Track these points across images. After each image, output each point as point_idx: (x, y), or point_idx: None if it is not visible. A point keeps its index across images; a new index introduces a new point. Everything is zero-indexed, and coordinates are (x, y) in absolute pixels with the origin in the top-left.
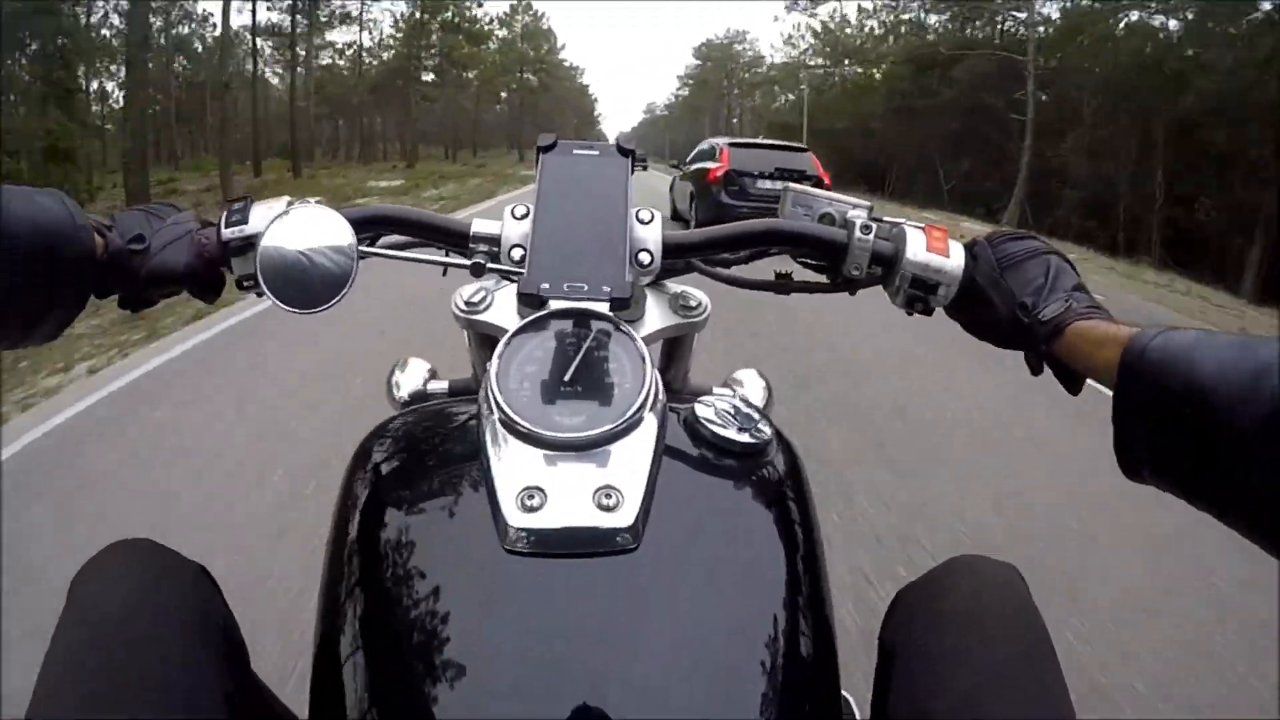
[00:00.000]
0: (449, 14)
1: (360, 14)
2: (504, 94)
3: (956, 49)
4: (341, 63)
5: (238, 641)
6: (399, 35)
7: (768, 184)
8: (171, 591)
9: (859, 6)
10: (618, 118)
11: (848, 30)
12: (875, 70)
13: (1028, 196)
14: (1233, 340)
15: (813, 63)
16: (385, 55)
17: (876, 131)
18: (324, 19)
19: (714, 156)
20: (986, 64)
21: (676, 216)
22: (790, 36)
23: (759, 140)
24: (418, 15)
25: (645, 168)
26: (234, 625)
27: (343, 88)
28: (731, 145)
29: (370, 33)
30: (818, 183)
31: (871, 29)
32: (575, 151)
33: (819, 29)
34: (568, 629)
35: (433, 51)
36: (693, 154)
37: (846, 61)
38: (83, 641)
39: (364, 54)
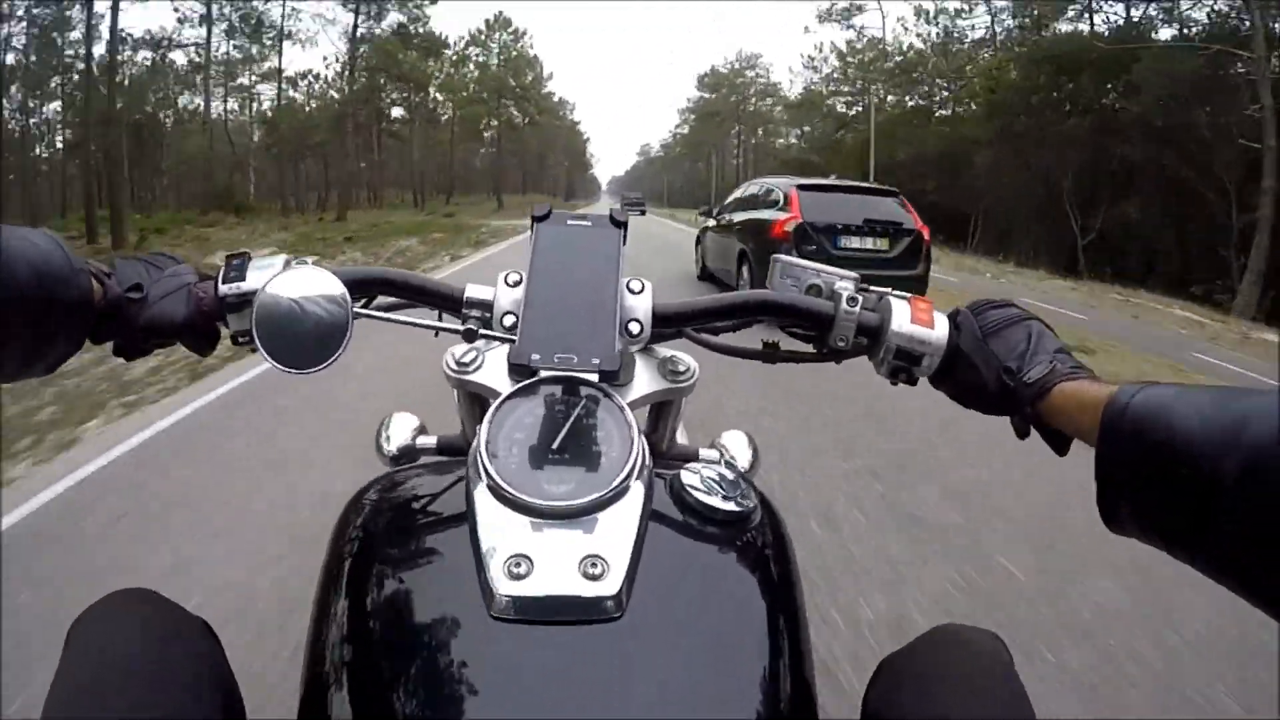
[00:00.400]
0: (397, 16)
1: (282, 30)
2: (486, 133)
3: (1119, 44)
4: (296, 96)
5: (236, 701)
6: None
7: (856, 241)
8: (171, 646)
9: (920, 7)
10: (611, 160)
11: (901, 44)
12: (956, 91)
13: (1270, 269)
14: (1212, 393)
15: (846, 86)
16: (345, 88)
17: (960, 165)
18: (267, 42)
19: (776, 204)
20: (1181, 62)
21: (707, 277)
22: (814, 59)
23: (835, 181)
24: (358, 23)
25: (643, 212)
26: (233, 683)
27: (297, 124)
28: (801, 189)
29: (325, 64)
30: (916, 239)
31: (927, 39)
32: (569, 222)
33: (862, 44)
34: (553, 696)
35: (394, 76)
36: (733, 198)
37: (916, 74)
38: (80, 691)
39: (317, 85)
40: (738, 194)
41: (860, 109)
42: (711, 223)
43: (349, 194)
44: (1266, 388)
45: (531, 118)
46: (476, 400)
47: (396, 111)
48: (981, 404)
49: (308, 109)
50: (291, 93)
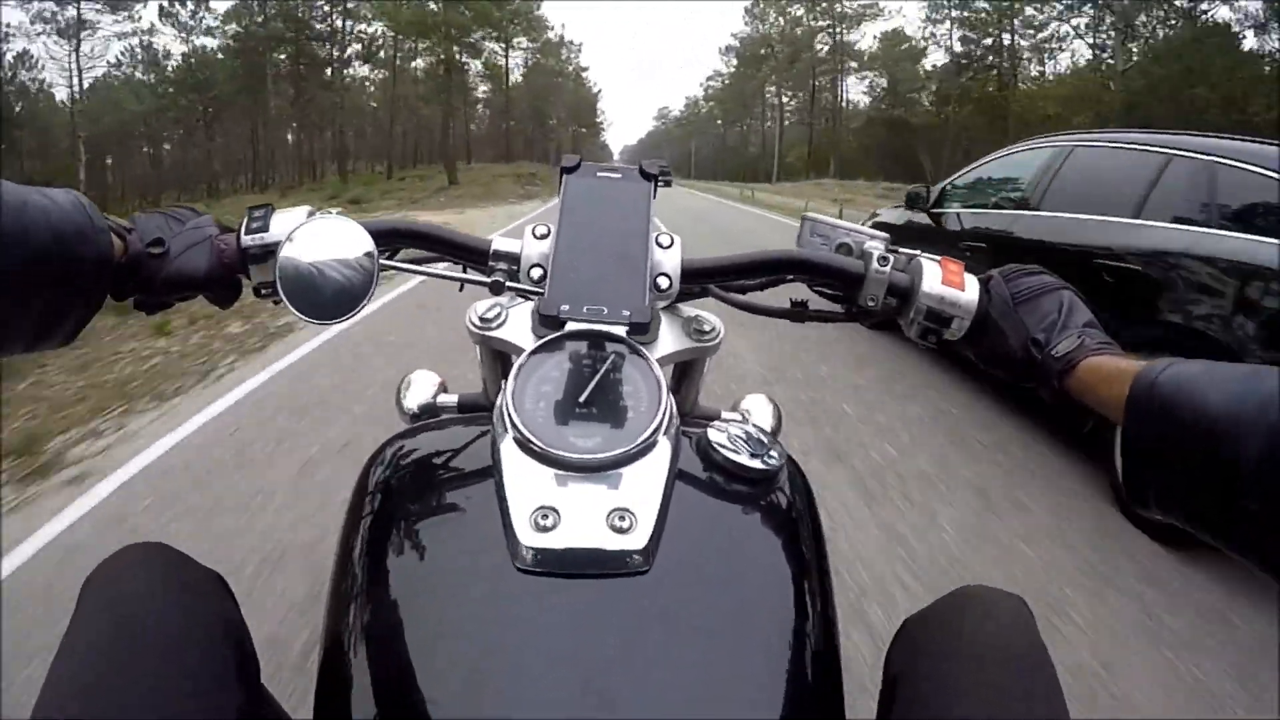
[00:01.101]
0: None
1: None
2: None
3: None
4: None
5: (249, 652)
6: None
7: None
8: (185, 598)
9: None
10: (622, 126)
11: None
12: None
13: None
14: (1240, 371)
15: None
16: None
17: None
18: None
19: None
20: None
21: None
22: None
23: None
24: None
25: (668, 183)
26: (246, 635)
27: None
28: None
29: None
30: None
31: None
32: (598, 174)
33: None
34: (578, 648)
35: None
36: (1044, 172)
37: None
38: (92, 644)
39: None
40: (1029, 167)
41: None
42: (915, 221)
43: (263, 169)
44: None
45: (511, 46)
46: (500, 357)
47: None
48: (1007, 372)
49: (189, 55)
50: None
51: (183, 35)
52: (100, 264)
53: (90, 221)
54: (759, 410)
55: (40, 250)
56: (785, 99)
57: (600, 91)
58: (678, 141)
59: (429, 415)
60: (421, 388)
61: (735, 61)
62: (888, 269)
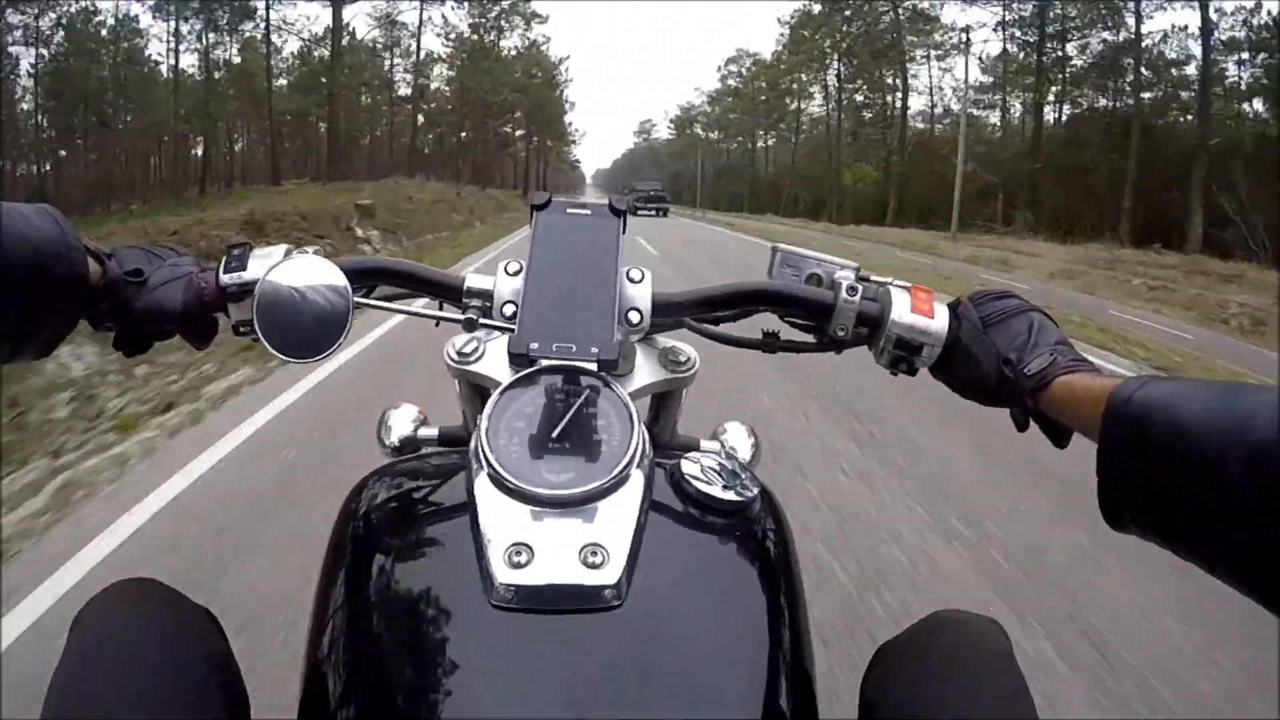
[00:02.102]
0: None
1: None
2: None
3: None
4: None
5: (239, 689)
6: None
7: None
8: (175, 634)
9: None
10: (596, 148)
11: None
12: None
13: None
14: (1215, 388)
15: None
16: None
17: None
18: None
19: None
20: None
21: None
22: None
23: None
24: None
25: (664, 212)
26: (236, 672)
27: None
28: None
29: None
30: None
31: None
32: (568, 210)
33: None
34: (552, 684)
35: None
36: None
37: None
38: (83, 680)
39: None
40: None
41: None
42: None
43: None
44: (1271, 385)
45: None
46: (478, 390)
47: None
48: (981, 395)
49: None
50: None
51: None
52: (74, 280)
53: (64, 237)
54: (737, 438)
55: (16, 263)
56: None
57: (571, 104)
58: (665, 162)
59: (410, 448)
60: (402, 421)
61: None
62: (857, 299)
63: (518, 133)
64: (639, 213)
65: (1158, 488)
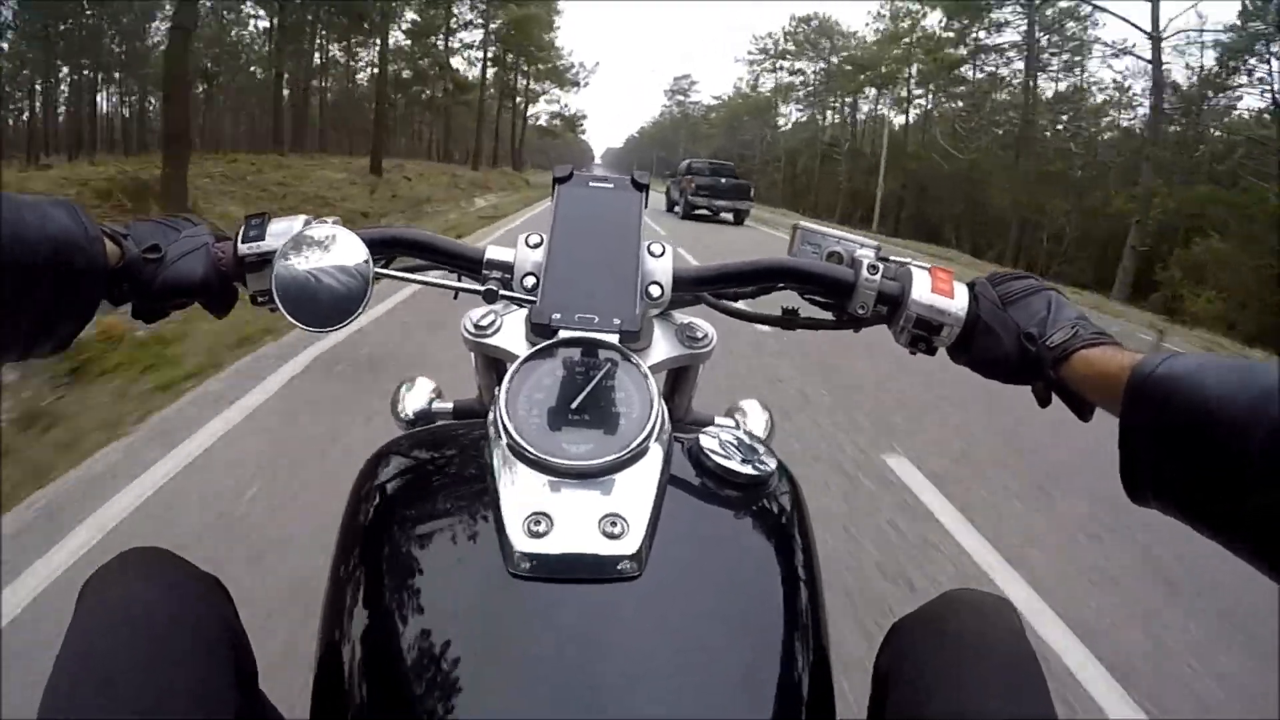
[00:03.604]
0: None
1: None
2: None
3: None
4: None
5: (247, 656)
6: None
7: None
8: (183, 602)
9: None
10: (605, 126)
11: None
12: None
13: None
14: (1238, 364)
15: None
16: None
17: None
18: None
19: None
20: None
21: None
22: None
23: None
24: None
25: (742, 220)
26: (245, 640)
27: None
28: None
29: None
30: None
31: None
32: (590, 184)
33: None
34: (570, 654)
35: None
36: None
37: None
38: (91, 649)
39: None
40: None
41: None
42: None
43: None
44: None
45: None
46: (494, 364)
47: None
48: (1003, 372)
49: None
50: None
51: None
52: (95, 273)
53: (85, 230)
54: (753, 415)
55: (36, 260)
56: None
57: (574, 64)
58: (723, 132)
59: (425, 422)
60: (417, 394)
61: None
62: (878, 277)
63: (476, 62)
64: (695, 211)
65: (1179, 463)
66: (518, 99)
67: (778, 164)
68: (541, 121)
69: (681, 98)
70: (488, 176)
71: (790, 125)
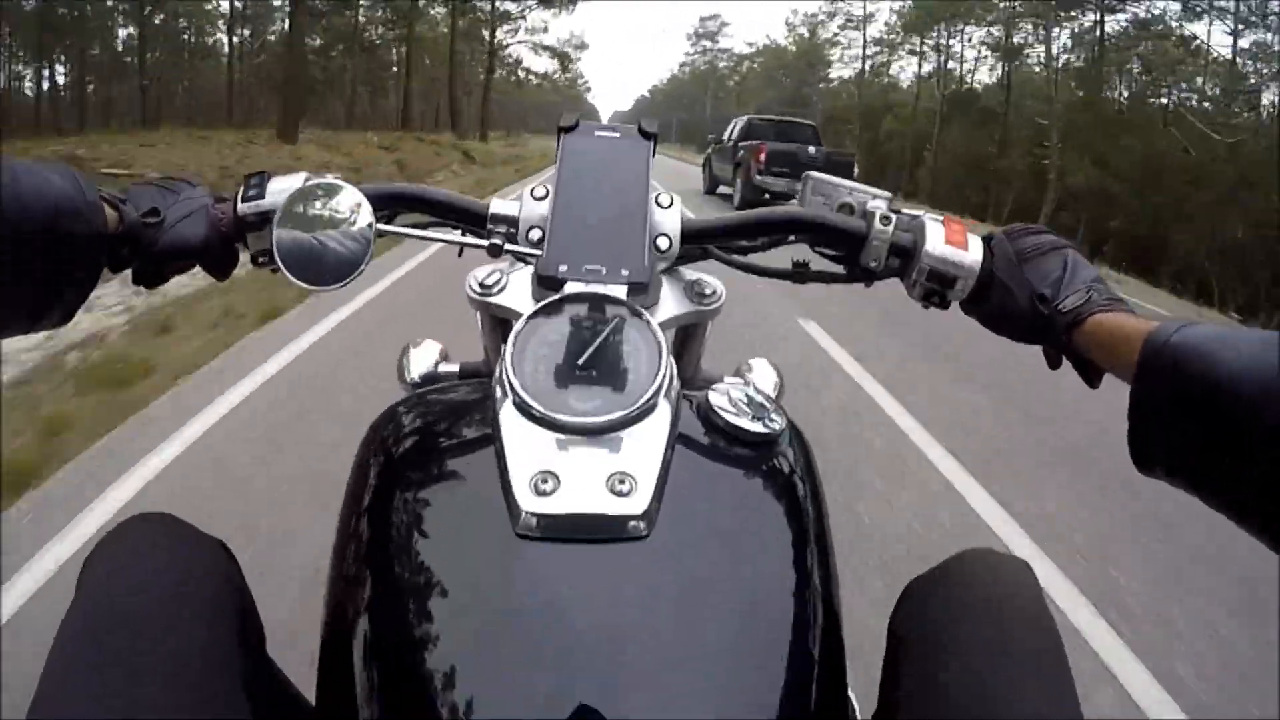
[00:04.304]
0: None
1: None
2: None
3: None
4: None
5: (255, 621)
6: None
7: None
8: (190, 568)
9: None
10: (612, 89)
11: None
12: None
13: None
14: (1255, 337)
15: None
16: None
17: None
18: None
19: None
20: None
21: None
22: None
23: None
24: None
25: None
26: (252, 605)
27: None
28: None
29: None
30: None
31: None
32: (596, 133)
33: None
34: (578, 613)
35: None
36: None
37: None
38: (96, 617)
39: None
40: None
41: None
42: None
43: None
44: None
45: None
46: (500, 323)
47: None
48: (1014, 330)
49: None
50: None
51: None
52: (95, 239)
53: (84, 195)
54: (761, 374)
55: (36, 228)
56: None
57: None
58: (761, 87)
59: (431, 384)
60: (423, 357)
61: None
62: (890, 228)
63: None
64: (765, 197)
65: (1190, 434)
66: (480, 29)
67: (843, 127)
68: (526, 65)
69: (709, 44)
70: (409, 147)
71: (850, 74)
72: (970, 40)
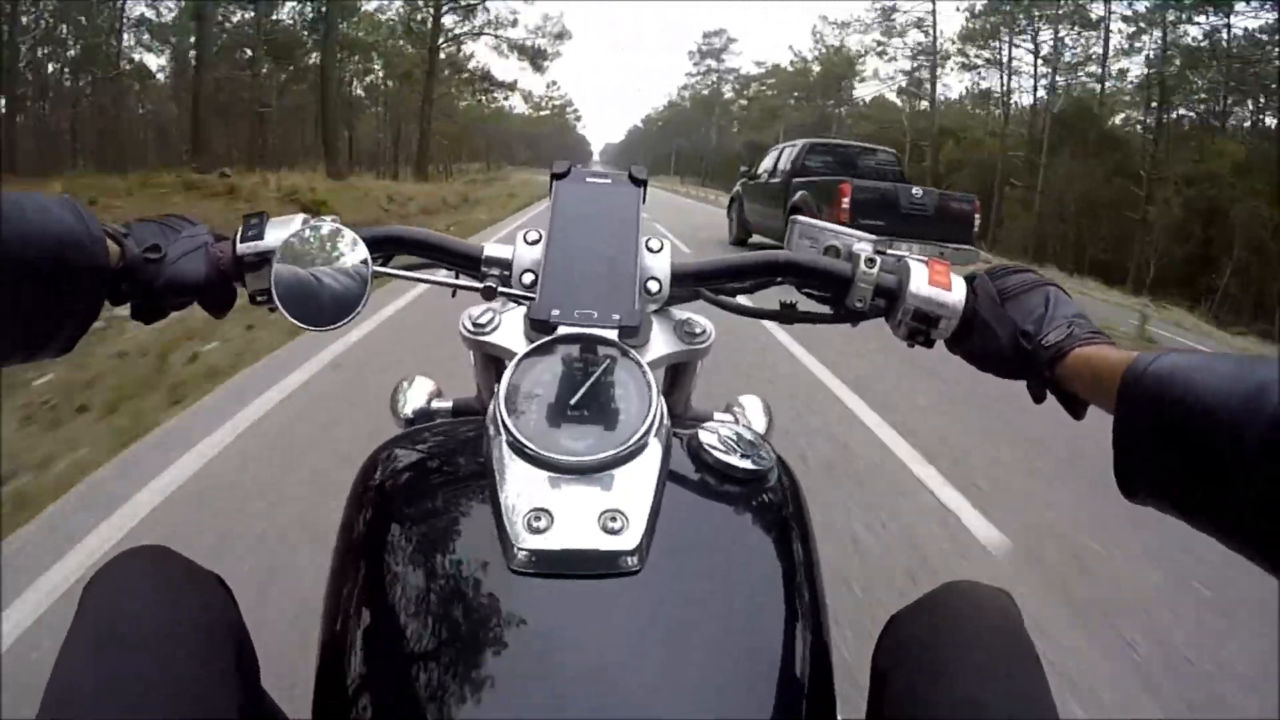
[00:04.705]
0: None
1: None
2: None
3: None
4: None
5: (249, 654)
6: None
7: None
8: (185, 600)
9: None
10: (603, 121)
11: None
12: None
13: None
14: (1232, 361)
15: None
16: None
17: None
18: None
19: None
20: None
21: None
22: None
23: None
24: None
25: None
26: (246, 637)
27: None
28: None
29: None
30: None
31: None
32: (588, 180)
33: None
34: (572, 648)
35: None
36: None
37: None
38: (93, 649)
39: None
40: None
41: None
42: None
43: None
44: None
45: None
46: (493, 362)
47: None
48: (998, 367)
49: None
50: None
51: None
52: (97, 272)
53: (87, 229)
54: (751, 410)
55: (39, 260)
56: None
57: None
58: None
59: (424, 420)
60: (416, 393)
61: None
62: (875, 270)
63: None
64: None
65: (1173, 460)
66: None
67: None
68: (483, 68)
69: (713, 63)
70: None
71: (876, 93)
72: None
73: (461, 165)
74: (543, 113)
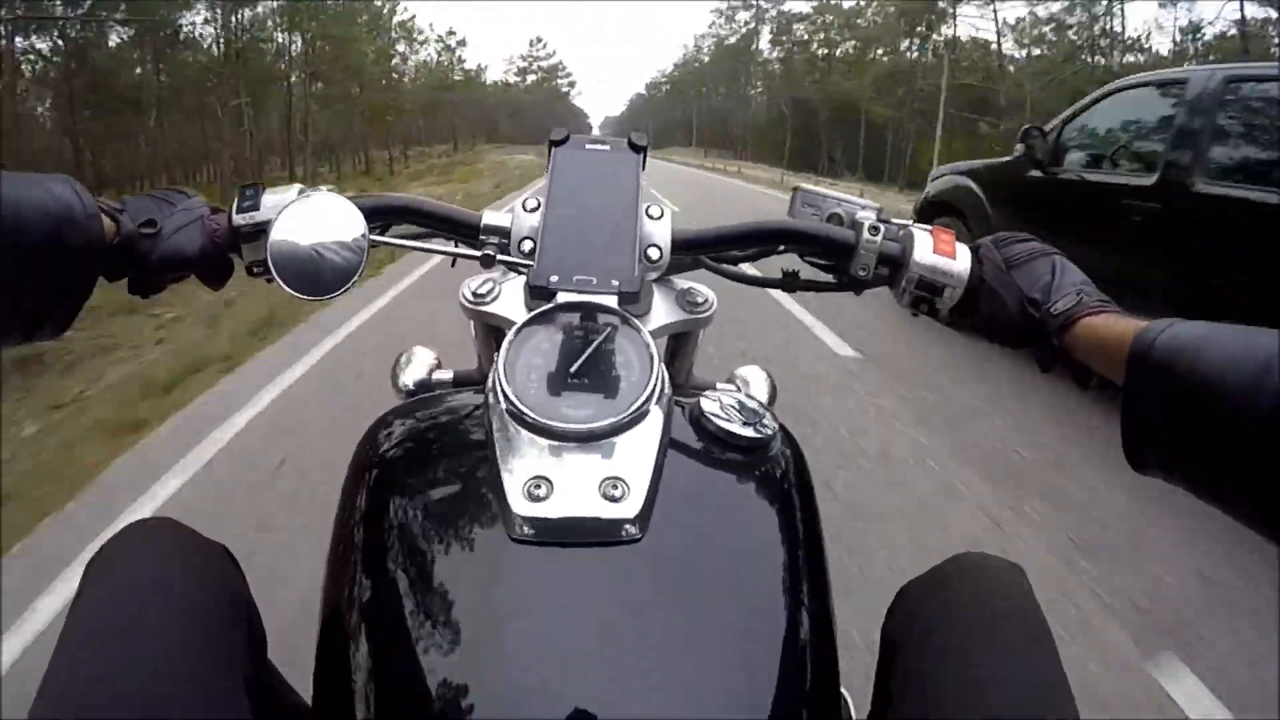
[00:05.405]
0: None
1: None
2: None
3: None
4: None
5: (256, 626)
6: None
7: None
8: (191, 572)
9: None
10: (603, 94)
11: None
12: None
13: None
14: (1241, 331)
15: None
16: None
17: None
18: None
19: None
20: None
21: None
22: None
23: None
24: None
25: None
26: (254, 609)
27: None
28: None
29: None
30: None
31: None
32: (587, 146)
33: None
34: (572, 617)
35: None
36: None
37: None
38: (98, 621)
39: None
40: None
41: None
42: None
43: None
44: None
45: None
46: (493, 332)
47: None
48: (1005, 336)
49: None
50: None
51: None
52: (93, 249)
53: (82, 206)
54: (754, 381)
55: (35, 237)
56: None
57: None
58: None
59: (424, 391)
60: (416, 365)
61: None
62: (879, 238)
63: None
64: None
65: (1182, 431)
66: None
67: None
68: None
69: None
70: None
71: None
72: None
73: (424, 148)
74: (529, 78)
